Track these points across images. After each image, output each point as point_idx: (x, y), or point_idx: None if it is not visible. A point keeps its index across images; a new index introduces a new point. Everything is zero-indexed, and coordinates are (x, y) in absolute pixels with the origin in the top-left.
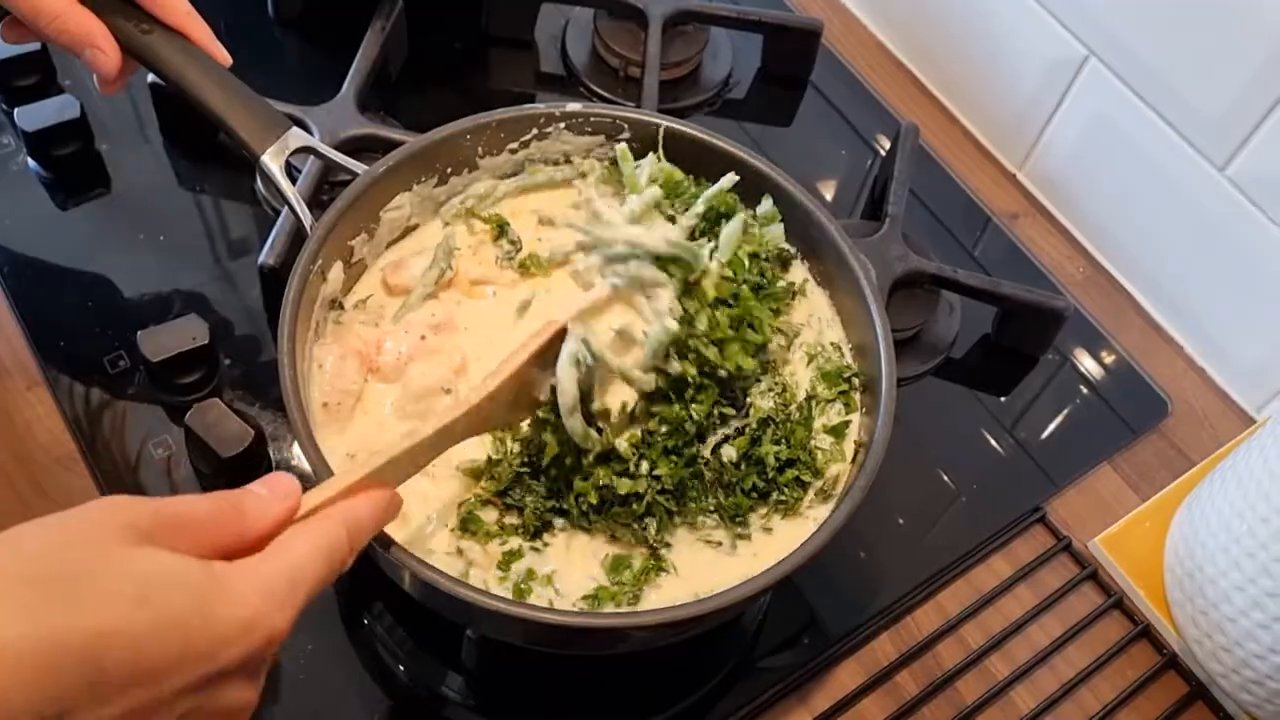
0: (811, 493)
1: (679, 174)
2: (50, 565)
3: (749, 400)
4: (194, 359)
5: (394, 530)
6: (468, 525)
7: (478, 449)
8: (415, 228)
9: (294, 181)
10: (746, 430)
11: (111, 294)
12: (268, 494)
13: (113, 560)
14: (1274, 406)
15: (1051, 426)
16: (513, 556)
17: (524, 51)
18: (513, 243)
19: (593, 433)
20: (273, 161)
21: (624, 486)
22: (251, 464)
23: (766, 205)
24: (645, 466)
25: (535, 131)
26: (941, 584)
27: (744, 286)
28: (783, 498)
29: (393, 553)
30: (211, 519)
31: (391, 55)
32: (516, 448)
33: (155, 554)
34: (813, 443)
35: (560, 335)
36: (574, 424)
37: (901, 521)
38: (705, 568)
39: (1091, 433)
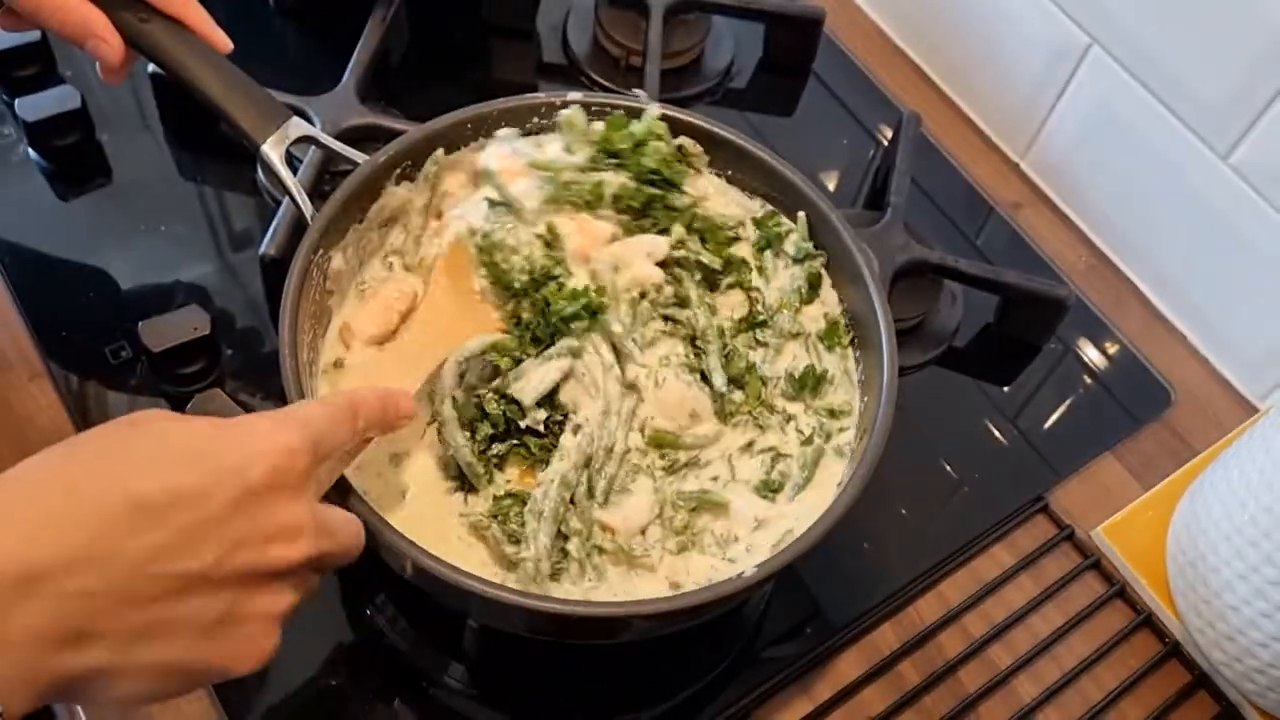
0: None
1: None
2: (79, 442)
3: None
4: (195, 349)
5: (394, 520)
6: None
7: None
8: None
9: (295, 171)
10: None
11: (112, 285)
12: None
13: (133, 433)
14: (1277, 395)
15: (1054, 416)
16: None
17: (525, 41)
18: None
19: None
20: (273, 151)
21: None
22: None
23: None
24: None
25: (536, 120)
26: (943, 573)
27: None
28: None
29: (394, 541)
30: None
31: (392, 45)
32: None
33: (169, 418)
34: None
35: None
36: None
37: (904, 511)
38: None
39: (1094, 422)
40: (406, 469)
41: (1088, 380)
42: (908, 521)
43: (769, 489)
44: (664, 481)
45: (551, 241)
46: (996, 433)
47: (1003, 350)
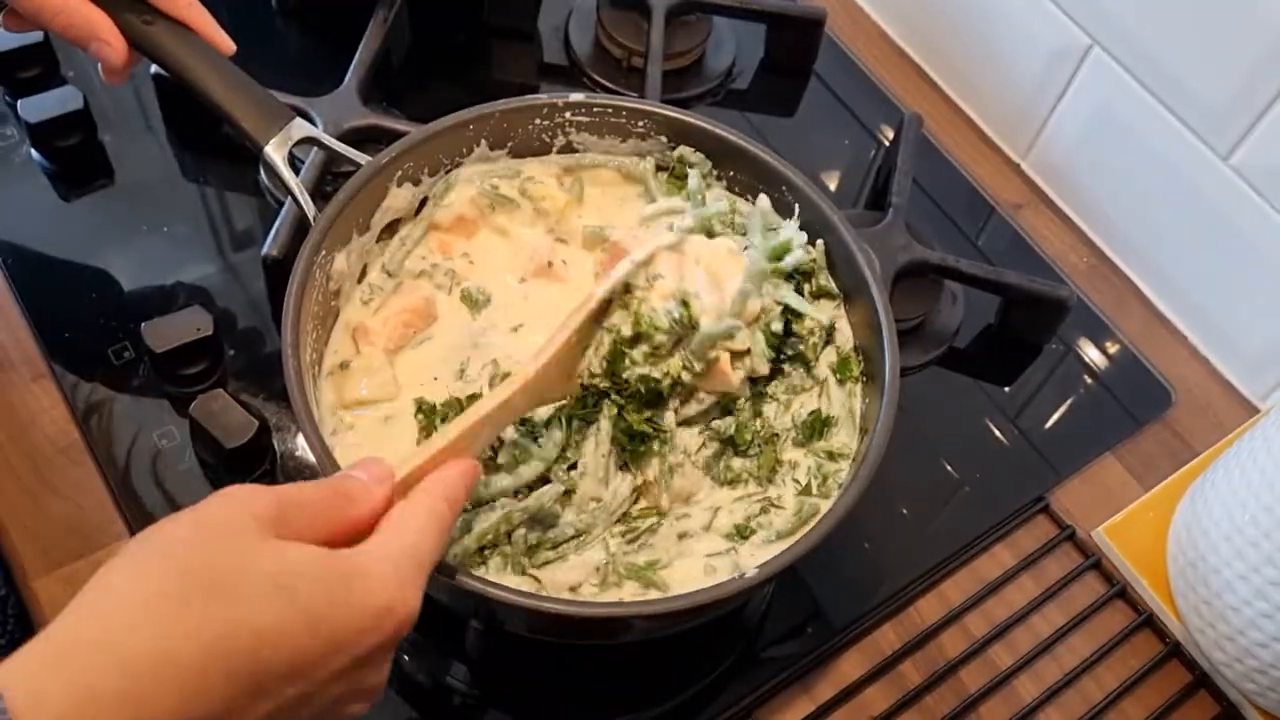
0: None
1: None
2: (196, 566)
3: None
4: (198, 350)
5: None
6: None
7: None
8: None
9: (297, 172)
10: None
11: (115, 286)
12: (368, 479)
13: (250, 557)
14: (1277, 395)
15: (1055, 416)
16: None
17: (526, 42)
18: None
19: None
20: (276, 153)
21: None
22: (256, 455)
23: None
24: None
25: (538, 122)
26: (945, 573)
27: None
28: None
29: None
30: (325, 505)
31: (394, 46)
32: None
33: (286, 547)
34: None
35: (604, 308)
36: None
37: (905, 511)
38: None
39: (1095, 422)
40: (395, 429)
41: (1088, 380)
42: (908, 521)
43: (740, 535)
44: (618, 550)
45: (701, 369)
46: (997, 433)
47: (1004, 350)
